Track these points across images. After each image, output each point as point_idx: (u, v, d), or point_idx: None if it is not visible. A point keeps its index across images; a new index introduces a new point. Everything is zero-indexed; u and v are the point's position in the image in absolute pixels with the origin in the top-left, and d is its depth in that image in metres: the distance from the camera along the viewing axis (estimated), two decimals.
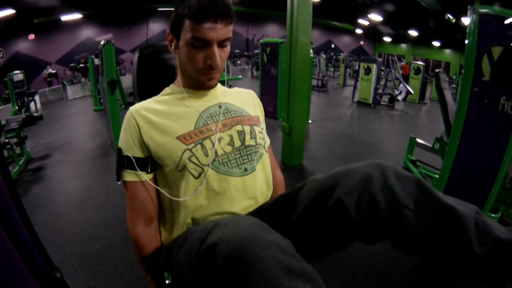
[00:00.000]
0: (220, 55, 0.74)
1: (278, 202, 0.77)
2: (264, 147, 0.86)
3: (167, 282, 0.86)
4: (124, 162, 0.75)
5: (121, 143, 0.77)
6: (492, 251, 0.58)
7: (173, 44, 0.78)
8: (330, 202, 0.63)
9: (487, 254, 0.58)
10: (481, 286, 0.62)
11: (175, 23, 0.74)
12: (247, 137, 0.81)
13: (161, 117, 0.77)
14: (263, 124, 0.91)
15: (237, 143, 0.79)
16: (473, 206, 0.64)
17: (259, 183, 0.82)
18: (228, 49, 0.76)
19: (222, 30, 0.71)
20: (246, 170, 0.79)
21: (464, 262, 0.60)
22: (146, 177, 0.76)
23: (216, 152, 0.76)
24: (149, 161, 0.77)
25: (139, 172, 0.75)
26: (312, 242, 0.70)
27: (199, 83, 0.80)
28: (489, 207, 2.11)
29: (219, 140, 0.77)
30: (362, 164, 0.67)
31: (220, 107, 0.83)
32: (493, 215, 2.15)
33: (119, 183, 0.78)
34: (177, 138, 0.75)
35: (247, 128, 0.82)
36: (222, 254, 0.49)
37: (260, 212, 0.77)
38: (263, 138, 0.86)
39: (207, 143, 0.76)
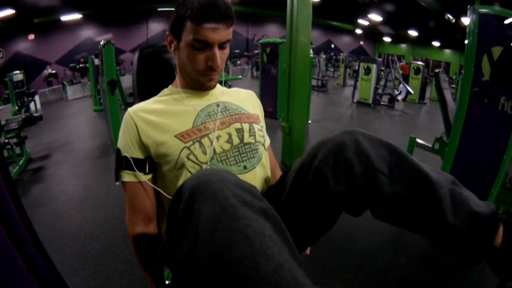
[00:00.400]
0: (220, 56, 0.74)
1: (271, 187, 0.79)
2: (263, 145, 0.86)
3: (167, 282, 0.85)
4: (123, 163, 0.75)
5: (119, 144, 0.77)
6: (468, 224, 0.58)
7: (173, 45, 0.78)
8: (309, 174, 0.64)
9: (462, 226, 0.57)
10: None
11: (176, 24, 0.74)
12: (246, 134, 0.81)
13: (159, 116, 0.78)
14: (262, 123, 0.91)
15: (236, 140, 0.79)
16: (449, 175, 0.63)
17: (258, 181, 0.82)
18: (227, 50, 0.77)
19: (223, 32, 0.71)
20: (245, 167, 0.79)
21: (439, 233, 0.60)
22: (145, 177, 0.76)
23: (214, 150, 0.76)
24: (148, 162, 0.77)
25: (138, 172, 0.75)
26: (303, 220, 0.71)
27: (198, 84, 0.81)
28: None
29: (218, 138, 0.78)
30: (336, 133, 0.67)
31: (218, 105, 0.84)
32: None
33: (117, 183, 0.78)
34: (175, 136, 0.75)
35: (245, 126, 0.82)
36: (187, 190, 0.51)
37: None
38: (262, 136, 0.86)
39: (205, 141, 0.76)
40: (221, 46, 0.74)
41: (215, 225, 0.46)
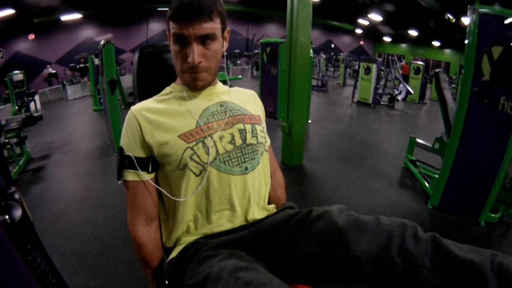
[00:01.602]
0: (204, 53, 0.74)
1: (291, 224, 0.75)
2: (264, 145, 0.86)
3: (166, 282, 0.86)
4: (126, 162, 0.75)
5: (122, 143, 0.77)
6: None
7: (169, 44, 0.79)
8: (345, 254, 0.65)
9: None
10: None
11: (167, 26, 0.76)
12: (249, 135, 0.81)
13: (162, 116, 0.78)
14: (264, 124, 0.91)
15: (239, 141, 0.79)
16: (489, 251, 0.63)
17: (258, 182, 0.82)
18: (214, 47, 0.76)
19: (200, 26, 0.71)
20: (246, 168, 0.79)
21: None
22: (147, 177, 0.76)
23: (217, 150, 0.76)
24: (150, 161, 0.77)
25: (140, 172, 0.75)
26: (315, 275, 0.72)
27: (187, 84, 0.81)
28: (489, 207, 2.11)
29: (221, 138, 0.77)
30: (384, 220, 0.68)
31: (221, 106, 0.83)
32: (493, 215, 2.15)
33: (119, 182, 0.78)
34: (179, 136, 0.75)
35: (248, 127, 0.82)
36: None
37: (270, 230, 0.76)
38: (264, 137, 0.86)
39: (209, 142, 0.76)
40: (204, 42, 0.74)
41: None
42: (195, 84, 0.79)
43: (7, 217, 0.48)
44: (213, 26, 0.73)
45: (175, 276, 0.77)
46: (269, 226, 0.77)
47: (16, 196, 0.52)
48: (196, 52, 0.73)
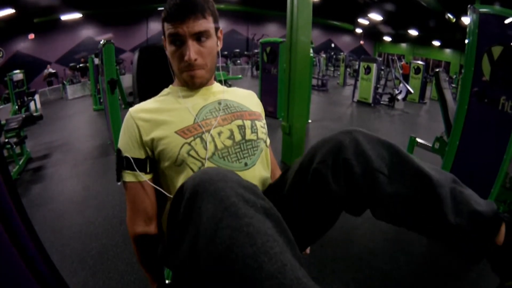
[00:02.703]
0: (200, 50, 0.76)
1: (271, 186, 0.79)
2: (265, 142, 0.86)
3: (167, 282, 0.86)
4: (124, 163, 0.76)
5: (120, 144, 0.77)
6: (469, 223, 0.57)
7: (166, 46, 0.81)
8: (309, 175, 0.64)
9: (463, 226, 0.57)
10: None
11: (162, 28, 0.78)
12: (248, 131, 0.81)
13: (159, 113, 0.78)
14: (264, 120, 0.91)
15: (238, 137, 0.79)
16: (450, 174, 0.63)
17: (258, 178, 0.82)
18: (209, 44, 0.77)
19: (194, 24, 0.73)
20: (246, 164, 0.79)
21: (440, 232, 0.60)
22: (145, 177, 0.77)
23: (216, 146, 0.76)
24: (148, 162, 0.77)
25: (138, 172, 0.75)
26: (302, 219, 0.71)
27: (185, 83, 0.82)
28: None
29: (219, 134, 0.77)
30: (335, 133, 0.67)
31: (219, 103, 0.83)
32: None
33: (119, 183, 0.78)
34: (176, 132, 0.75)
35: (247, 123, 0.82)
36: (188, 188, 0.51)
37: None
38: (265, 133, 0.86)
39: (207, 137, 0.76)
40: (199, 39, 0.75)
41: (216, 223, 0.46)
42: (193, 82, 0.80)
43: None
44: (207, 23, 0.75)
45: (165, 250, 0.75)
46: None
47: None
48: (192, 49, 0.74)
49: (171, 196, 0.77)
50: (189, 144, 0.74)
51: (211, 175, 0.51)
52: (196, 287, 0.52)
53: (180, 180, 0.75)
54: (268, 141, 0.89)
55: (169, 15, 0.73)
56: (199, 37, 0.75)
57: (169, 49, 0.77)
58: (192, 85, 0.82)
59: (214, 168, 0.56)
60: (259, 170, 0.82)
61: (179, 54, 0.76)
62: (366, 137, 0.64)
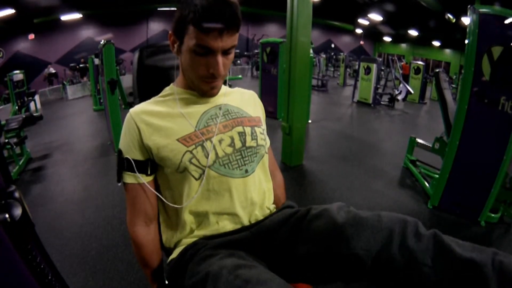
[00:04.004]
0: (224, 63, 0.72)
1: (290, 223, 0.76)
2: (265, 148, 0.86)
3: (166, 282, 0.86)
4: (124, 164, 0.75)
5: (121, 145, 0.77)
6: None
7: (175, 45, 0.75)
8: (345, 251, 0.65)
9: None
10: None
11: (179, 26, 0.70)
12: (248, 138, 0.81)
13: (161, 119, 0.77)
14: (264, 125, 0.91)
15: (238, 144, 0.79)
16: (490, 249, 0.63)
17: (258, 184, 0.82)
18: (232, 56, 0.74)
19: (228, 39, 0.68)
20: (246, 171, 0.79)
21: None
22: (146, 179, 0.77)
23: (217, 153, 0.76)
24: (149, 164, 0.77)
25: (138, 175, 0.75)
26: (316, 274, 0.72)
27: (200, 91, 0.79)
28: (489, 207, 2.11)
29: (220, 141, 0.77)
30: (384, 216, 0.67)
31: (220, 108, 0.83)
32: (493, 215, 2.15)
33: (119, 184, 0.78)
34: (178, 140, 0.75)
35: (248, 129, 0.82)
36: None
37: (270, 230, 0.77)
38: (264, 139, 0.85)
39: (208, 145, 0.75)
40: (226, 52, 0.71)
41: None
42: (212, 93, 0.79)
43: (7, 215, 0.47)
44: (237, 36, 0.72)
45: (175, 277, 0.77)
46: (269, 226, 0.77)
47: (16, 194, 0.52)
48: (221, 63, 0.70)
49: (171, 204, 0.78)
50: (191, 152, 0.74)
51: None
52: None
53: (182, 186, 0.75)
54: (268, 143, 0.89)
55: (203, 22, 0.65)
56: (228, 50, 0.71)
57: (190, 56, 0.71)
58: (209, 95, 0.80)
59: None
60: (259, 176, 0.83)
61: (205, 65, 0.71)
62: (413, 229, 0.65)
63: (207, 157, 0.74)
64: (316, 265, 0.70)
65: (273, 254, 0.74)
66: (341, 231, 0.66)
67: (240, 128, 0.81)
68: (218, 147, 0.76)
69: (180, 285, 0.73)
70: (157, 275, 0.84)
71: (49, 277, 0.60)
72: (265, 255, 0.74)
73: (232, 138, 0.79)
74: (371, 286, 0.68)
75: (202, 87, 0.77)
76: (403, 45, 17.95)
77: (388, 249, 0.63)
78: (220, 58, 0.70)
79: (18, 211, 0.50)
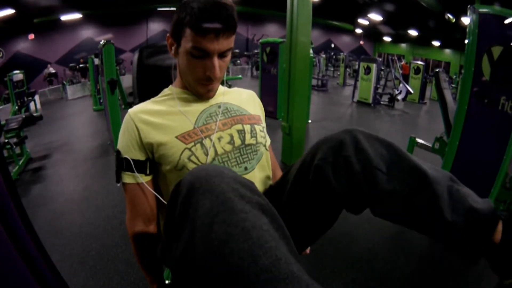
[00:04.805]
0: (220, 65, 0.73)
1: (272, 187, 0.80)
2: (265, 145, 0.86)
3: (166, 282, 0.86)
4: (123, 164, 0.75)
5: (120, 146, 0.77)
6: (466, 220, 0.57)
7: (173, 48, 0.76)
8: (310, 172, 0.65)
9: (460, 223, 0.57)
10: None
11: (176, 29, 0.72)
12: (247, 136, 0.81)
13: (160, 117, 0.77)
14: (264, 124, 0.91)
15: (237, 142, 0.79)
16: (447, 172, 0.63)
17: (258, 182, 0.82)
18: (228, 58, 0.75)
19: (224, 42, 0.69)
20: (246, 169, 0.79)
21: (438, 230, 0.60)
22: (145, 179, 0.77)
23: (216, 151, 0.76)
24: (148, 163, 0.77)
25: (137, 174, 0.75)
26: (303, 218, 0.72)
27: (197, 93, 0.81)
28: None
29: (219, 139, 0.77)
30: (336, 132, 0.68)
31: (219, 107, 0.83)
32: None
33: (118, 185, 0.78)
34: (177, 137, 0.75)
35: (247, 127, 0.82)
36: (185, 184, 0.52)
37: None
38: (264, 137, 0.86)
39: (207, 142, 0.76)
40: (222, 55, 0.72)
41: (212, 218, 0.46)
42: (208, 95, 0.81)
43: None
44: (233, 38, 0.72)
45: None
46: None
47: None
48: (217, 66, 0.71)
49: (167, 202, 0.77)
50: (190, 149, 0.74)
51: (207, 171, 0.52)
52: (193, 283, 0.52)
53: None
54: (268, 142, 0.89)
55: (199, 25, 0.66)
56: (224, 52, 0.72)
57: (187, 58, 0.72)
58: (206, 97, 0.82)
59: (211, 165, 0.56)
60: (259, 174, 0.83)
61: (202, 67, 0.72)
62: (365, 135, 0.65)
63: (206, 154, 0.74)
64: (298, 206, 0.70)
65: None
66: (304, 159, 0.69)
67: (239, 126, 0.81)
68: (217, 144, 0.76)
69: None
70: (157, 275, 0.83)
71: (49, 277, 0.60)
72: None
73: (231, 136, 0.79)
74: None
75: (198, 90, 0.79)
76: (403, 45, 17.95)
77: (343, 152, 0.63)
78: (216, 61, 0.71)
79: None
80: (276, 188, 0.77)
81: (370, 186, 0.61)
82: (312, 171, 0.65)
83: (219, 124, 0.79)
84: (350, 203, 0.67)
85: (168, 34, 0.76)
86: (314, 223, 0.74)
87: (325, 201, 0.67)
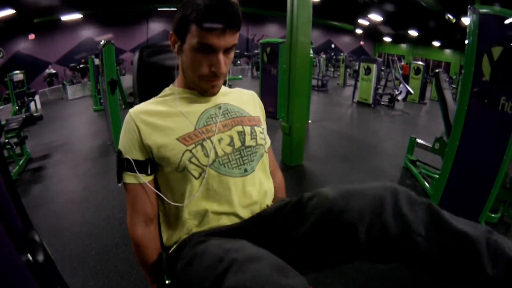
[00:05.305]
0: (225, 61, 0.73)
1: (285, 211, 0.75)
2: (264, 147, 0.86)
3: (167, 282, 0.86)
4: (124, 165, 0.75)
5: (121, 146, 0.77)
6: (505, 271, 0.57)
7: (176, 45, 0.76)
8: (339, 222, 0.64)
9: (501, 275, 0.57)
10: None
11: (180, 25, 0.72)
12: (247, 137, 0.81)
13: (161, 118, 0.77)
14: (264, 125, 0.91)
15: (237, 143, 0.79)
16: (484, 227, 0.63)
17: (258, 183, 0.82)
18: (232, 55, 0.75)
19: (229, 38, 0.70)
20: (246, 170, 0.79)
21: (478, 283, 0.60)
22: (146, 179, 0.77)
23: (216, 152, 0.76)
24: (149, 163, 0.77)
25: (138, 174, 0.75)
26: (316, 256, 0.71)
27: (201, 90, 0.80)
28: (489, 207, 2.11)
29: (220, 140, 0.77)
30: (374, 185, 0.67)
31: (219, 108, 0.83)
32: (493, 215, 2.15)
33: (119, 185, 0.78)
34: (177, 139, 0.75)
35: (247, 129, 0.82)
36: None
37: (265, 219, 0.77)
38: (263, 138, 0.85)
39: (207, 144, 0.76)
40: (227, 51, 0.73)
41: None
42: (213, 91, 0.80)
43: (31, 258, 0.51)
44: (238, 34, 0.73)
45: (170, 266, 0.76)
46: (265, 216, 0.77)
47: (37, 238, 0.55)
48: (222, 62, 0.71)
49: (171, 203, 0.77)
50: (190, 151, 0.74)
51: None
52: None
53: (182, 185, 0.75)
54: (268, 142, 0.89)
55: (205, 21, 0.67)
56: (229, 49, 0.73)
57: (192, 54, 0.72)
58: (209, 94, 0.81)
59: (265, 274, 0.53)
60: (259, 175, 0.83)
61: (207, 63, 0.72)
62: (406, 197, 0.64)
63: (207, 156, 0.74)
64: (314, 247, 0.69)
65: (270, 242, 0.73)
66: (333, 204, 0.65)
67: (239, 128, 0.81)
68: (217, 146, 0.76)
69: (175, 275, 0.74)
70: (157, 275, 0.84)
71: (50, 277, 0.60)
72: (262, 244, 0.74)
73: (231, 138, 0.79)
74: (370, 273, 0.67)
75: (203, 86, 0.78)
76: (403, 45, 17.94)
77: (382, 216, 0.61)
78: (221, 57, 0.71)
79: (41, 256, 0.52)
80: (290, 216, 0.73)
81: (407, 248, 0.61)
82: (342, 224, 0.63)
83: (220, 125, 0.79)
84: (377, 256, 0.66)
85: (171, 32, 0.76)
86: (328, 260, 0.72)
87: (347, 249, 0.66)
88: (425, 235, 0.60)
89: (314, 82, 8.36)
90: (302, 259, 0.71)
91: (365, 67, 6.87)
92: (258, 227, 0.75)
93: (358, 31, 17.65)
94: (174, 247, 0.78)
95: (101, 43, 3.30)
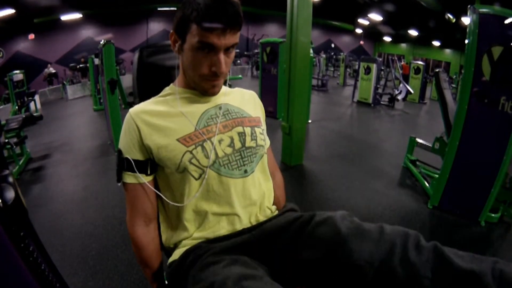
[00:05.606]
0: (225, 61, 0.72)
1: (293, 228, 0.76)
2: (264, 148, 0.86)
3: (166, 282, 0.86)
4: (124, 164, 0.75)
5: (121, 145, 0.77)
6: None
7: (177, 45, 0.75)
8: (348, 260, 0.66)
9: None
10: None
11: (181, 25, 0.71)
12: (248, 138, 0.81)
13: (161, 118, 0.77)
14: (264, 125, 0.91)
15: (238, 144, 0.79)
16: (489, 258, 0.63)
17: (258, 184, 0.82)
18: (233, 54, 0.75)
19: (230, 37, 0.69)
20: (246, 171, 0.79)
21: None
22: (146, 179, 0.77)
23: (217, 154, 0.76)
24: (149, 163, 0.77)
25: (138, 174, 0.75)
26: (318, 279, 0.72)
27: (202, 90, 0.79)
28: (489, 207, 2.12)
29: (220, 141, 0.77)
30: (386, 229, 0.68)
31: (220, 108, 0.82)
32: (493, 215, 2.15)
33: (119, 184, 0.78)
34: (178, 140, 0.74)
35: (247, 130, 0.82)
36: None
37: (272, 234, 0.77)
38: (263, 139, 0.85)
39: (208, 145, 0.75)
40: (227, 50, 0.72)
41: None
42: (213, 91, 0.79)
43: None
44: (239, 34, 0.72)
45: (176, 279, 0.76)
46: (272, 230, 0.77)
47: (10, 179, 0.50)
48: (223, 61, 0.71)
49: (171, 202, 0.77)
50: (191, 152, 0.74)
51: None
52: None
53: (182, 186, 0.75)
54: (268, 143, 0.89)
55: (205, 20, 0.66)
56: (230, 48, 0.72)
57: (192, 54, 0.71)
58: (210, 94, 0.80)
59: None
60: (258, 176, 0.83)
61: (208, 63, 0.72)
62: (413, 242, 0.66)
63: (207, 157, 0.74)
64: (319, 271, 0.70)
65: (276, 258, 0.74)
66: (344, 241, 0.67)
67: (240, 129, 0.81)
68: (218, 147, 0.76)
69: None
70: (157, 275, 0.84)
71: (49, 277, 0.60)
72: (268, 259, 0.74)
73: (231, 139, 0.79)
74: None
75: (203, 86, 0.77)
76: (403, 45, 17.95)
77: (390, 261, 0.63)
78: (222, 56, 0.71)
79: (10, 195, 0.48)
80: (297, 235, 0.74)
81: None
82: (350, 264, 0.65)
83: (220, 126, 0.79)
84: None
85: (171, 31, 0.76)
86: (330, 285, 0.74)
87: (352, 281, 0.67)
88: (432, 277, 0.62)
89: (314, 82, 8.36)
90: (303, 277, 0.73)
91: (365, 66, 6.87)
92: (265, 242, 0.75)
93: (358, 30, 17.65)
94: (178, 255, 0.77)
95: (101, 42, 3.30)
